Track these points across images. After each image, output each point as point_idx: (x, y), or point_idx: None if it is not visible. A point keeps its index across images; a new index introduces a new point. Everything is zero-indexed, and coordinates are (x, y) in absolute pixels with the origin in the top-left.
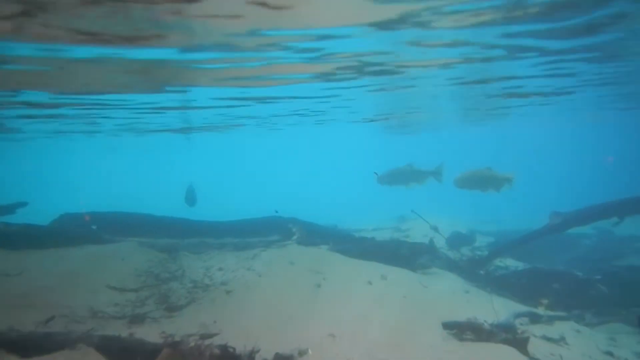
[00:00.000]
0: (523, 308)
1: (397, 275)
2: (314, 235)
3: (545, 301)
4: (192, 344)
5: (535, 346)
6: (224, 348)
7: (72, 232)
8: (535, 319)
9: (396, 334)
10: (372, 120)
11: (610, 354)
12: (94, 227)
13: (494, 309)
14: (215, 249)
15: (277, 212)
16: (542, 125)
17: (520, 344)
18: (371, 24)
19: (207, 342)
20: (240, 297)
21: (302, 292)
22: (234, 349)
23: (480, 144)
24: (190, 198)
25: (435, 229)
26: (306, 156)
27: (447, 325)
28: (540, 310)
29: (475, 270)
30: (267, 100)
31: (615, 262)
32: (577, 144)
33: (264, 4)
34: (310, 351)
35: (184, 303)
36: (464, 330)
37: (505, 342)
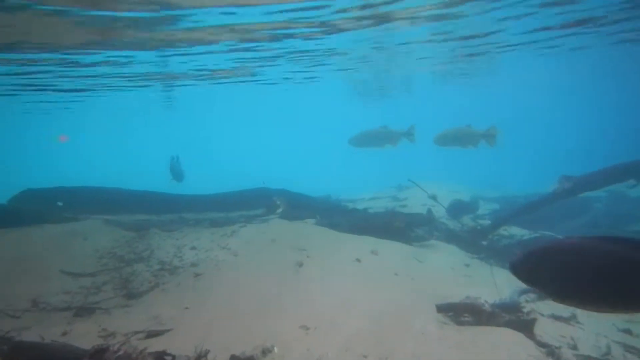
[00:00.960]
0: None
1: (390, 249)
2: (301, 208)
3: None
4: (122, 351)
5: (543, 327)
6: (159, 356)
7: (28, 210)
8: (542, 294)
9: (382, 321)
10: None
11: (628, 331)
12: (59, 203)
13: (495, 285)
14: (191, 225)
15: (264, 183)
16: (535, 80)
17: (525, 326)
18: None
19: (152, 340)
20: (209, 281)
21: (281, 274)
22: (174, 357)
23: (469, 105)
24: (177, 172)
25: (434, 197)
26: (300, 122)
27: (442, 308)
28: None
29: (478, 241)
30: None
31: (628, 228)
32: (579, 99)
33: None
34: (276, 349)
35: (146, 288)
36: (461, 313)
37: (509, 324)
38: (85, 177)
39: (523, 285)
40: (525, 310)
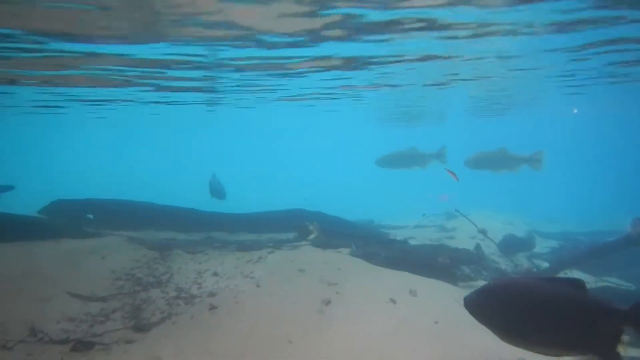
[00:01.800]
0: None
1: (431, 290)
2: (336, 235)
3: (625, 338)
4: None
5: None
6: None
7: (48, 223)
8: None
9: None
10: None
11: None
12: (90, 216)
13: None
14: (216, 248)
15: (306, 200)
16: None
17: None
18: None
19: None
20: (224, 317)
21: (305, 312)
22: None
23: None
24: (217, 190)
25: (484, 232)
26: (345, 142)
27: None
28: (620, 350)
29: None
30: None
31: None
32: None
33: None
34: None
35: (157, 320)
36: None
37: None
38: (120, 190)
39: None
40: None
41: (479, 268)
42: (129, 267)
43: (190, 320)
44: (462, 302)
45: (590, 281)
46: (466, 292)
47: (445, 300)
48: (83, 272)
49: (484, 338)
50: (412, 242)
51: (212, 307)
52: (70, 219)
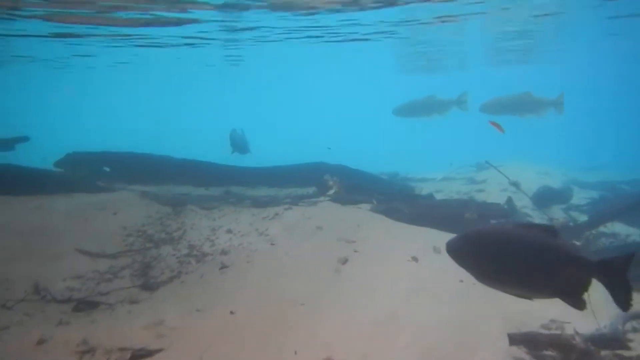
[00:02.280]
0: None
1: None
2: (357, 189)
3: None
4: None
5: None
6: None
7: (60, 176)
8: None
9: (433, 352)
10: None
11: None
12: (106, 169)
13: (591, 307)
14: (231, 204)
15: (330, 149)
16: None
17: None
18: None
19: None
20: (234, 276)
21: (321, 272)
22: None
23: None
24: (238, 144)
25: (516, 184)
26: (371, 93)
27: (516, 339)
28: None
29: (570, 241)
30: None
31: None
32: None
33: None
34: None
35: (166, 279)
36: (542, 347)
37: None
38: (139, 143)
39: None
40: (632, 344)
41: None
42: (141, 223)
43: (200, 280)
44: None
45: (635, 234)
46: None
47: None
48: (93, 228)
49: (511, 302)
50: (439, 196)
51: (223, 266)
52: (86, 172)
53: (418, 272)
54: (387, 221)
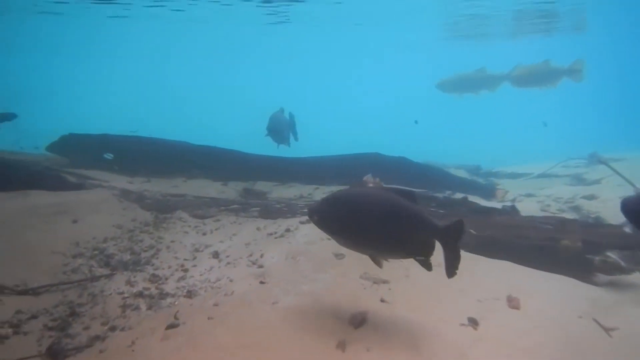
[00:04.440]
0: None
1: (549, 293)
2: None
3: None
4: None
5: None
6: None
7: (21, 168)
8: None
9: None
10: None
11: None
12: (108, 155)
13: None
14: (235, 211)
15: (417, 122)
16: None
17: None
18: None
19: None
20: (175, 350)
21: (316, 346)
22: None
23: None
24: (275, 128)
25: None
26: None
27: None
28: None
29: None
30: None
31: None
32: None
33: None
34: None
35: (84, 341)
36: None
37: None
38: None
39: None
40: None
41: (636, 254)
42: (103, 237)
43: (126, 351)
44: (603, 324)
45: None
46: (609, 294)
47: (570, 313)
48: (30, 243)
49: None
50: (530, 202)
51: (172, 325)
52: (84, 158)
53: (476, 348)
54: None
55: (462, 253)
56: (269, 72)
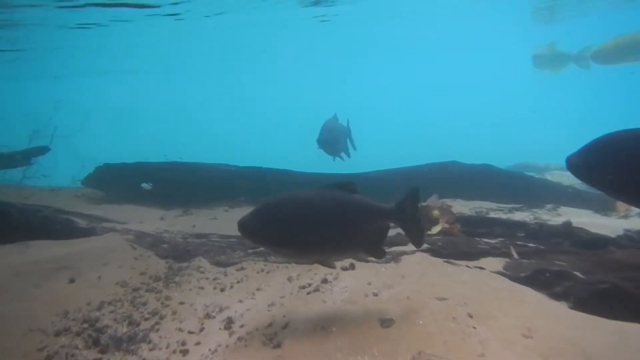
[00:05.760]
0: None
1: None
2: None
3: None
4: None
5: None
6: None
7: (27, 214)
8: None
9: None
10: None
11: None
12: (146, 186)
13: None
14: (262, 255)
15: (534, 113)
16: None
17: None
18: None
19: None
20: None
21: None
22: None
23: None
24: (327, 139)
25: None
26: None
27: None
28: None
29: None
30: None
31: None
32: None
33: None
34: None
35: None
36: None
37: None
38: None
39: None
40: None
41: None
42: (100, 300)
43: None
44: None
45: None
46: None
47: None
48: (9, 317)
49: None
50: None
51: None
52: (120, 190)
53: None
54: (533, 306)
55: (565, 311)
56: (320, 76)
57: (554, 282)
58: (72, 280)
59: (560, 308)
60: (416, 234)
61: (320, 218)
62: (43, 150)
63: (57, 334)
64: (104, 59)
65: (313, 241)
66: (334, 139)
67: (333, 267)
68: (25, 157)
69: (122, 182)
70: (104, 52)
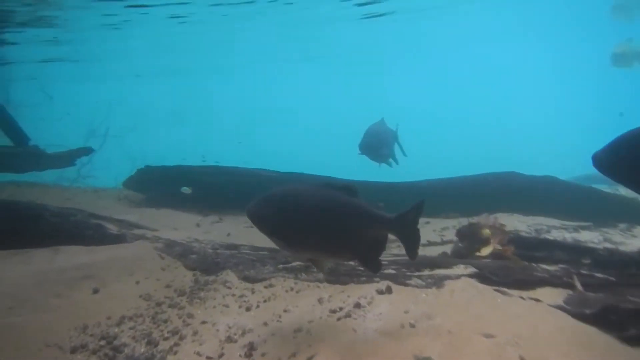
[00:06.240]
0: None
1: None
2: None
3: None
4: None
5: None
6: None
7: (51, 220)
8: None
9: None
10: None
11: None
12: (186, 190)
13: None
14: (294, 272)
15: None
16: None
17: None
18: None
19: None
20: None
21: None
22: None
23: None
24: (371, 144)
25: None
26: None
27: None
28: None
29: None
30: None
31: None
32: None
33: None
34: None
35: None
36: None
37: None
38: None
39: None
40: None
41: None
42: (121, 314)
43: None
44: None
45: None
46: None
47: None
48: (26, 330)
49: None
50: None
51: None
52: (160, 193)
53: None
54: (600, 352)
55: None
56: (371, 78)
57: (626, 323)
58: (95, 291)
59: (635, 356)
60: (412, 245)
61: (319, 214)
62: (87, 151)
63: (73, 350)
64: (168, 59)
65: (307, 236)
66: (378, 144)
67: (324, 271)
68: (69, 158)
69: (162, 185)
70: (168, 52)
